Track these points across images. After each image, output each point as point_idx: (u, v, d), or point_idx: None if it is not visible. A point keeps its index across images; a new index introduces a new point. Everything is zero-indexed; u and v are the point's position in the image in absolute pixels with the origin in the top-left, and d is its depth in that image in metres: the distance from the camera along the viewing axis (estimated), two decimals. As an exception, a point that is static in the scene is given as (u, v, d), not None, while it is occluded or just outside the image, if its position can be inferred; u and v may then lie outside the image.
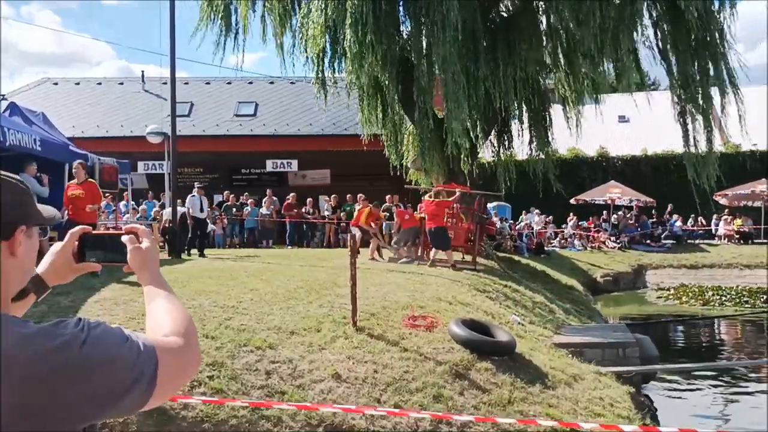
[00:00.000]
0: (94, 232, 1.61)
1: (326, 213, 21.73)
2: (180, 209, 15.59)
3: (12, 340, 1.23)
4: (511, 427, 6.41)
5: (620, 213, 26.59)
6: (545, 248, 22.28)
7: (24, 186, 1.41)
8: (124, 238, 1.60)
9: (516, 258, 18.73)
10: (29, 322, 1.30)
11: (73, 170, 10.45)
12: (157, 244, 1.67)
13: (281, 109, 27.17)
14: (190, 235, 15.67)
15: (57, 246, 1.64)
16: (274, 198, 21.75)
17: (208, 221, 17.30)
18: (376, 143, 18.61)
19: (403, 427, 6.28)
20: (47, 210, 1.47)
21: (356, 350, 7.42)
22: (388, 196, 20.86)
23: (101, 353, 1.26)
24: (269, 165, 25.55)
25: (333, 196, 22.22)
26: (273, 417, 6.11)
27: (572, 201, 26.67)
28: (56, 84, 30.49)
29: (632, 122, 31.30)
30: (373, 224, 15.55)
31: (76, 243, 1.61)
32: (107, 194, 16.48)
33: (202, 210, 15.76)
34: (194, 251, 15.39)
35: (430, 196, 14.10)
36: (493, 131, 18.30)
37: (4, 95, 26.92)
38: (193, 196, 15.77)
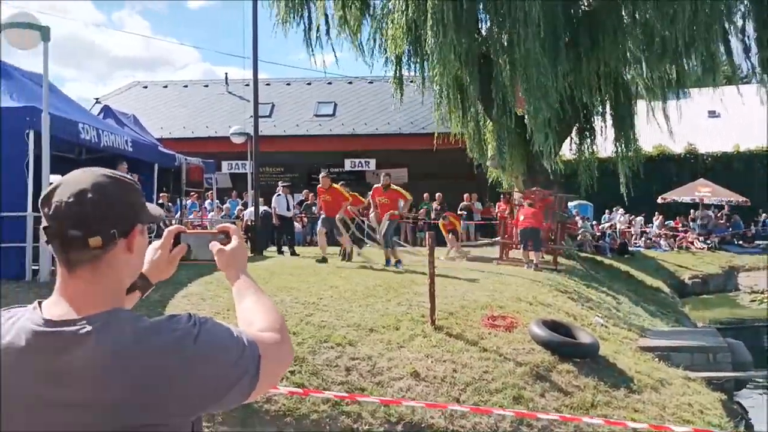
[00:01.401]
0: (187, 231, 1.66)
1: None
2: (262, 208, 15.97)
3: (129, 334, 1.29)
4: (597, 428, 6.26)
5: (710, 212, 25.48)
6: (629, 248, 21.62)
7: (138, 186, 1.48)
8: (210, 245, 1.65)
9: (598, 258, 18.26)
10: (144, 316, 1.36)
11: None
12: (246, 252, 1.71)
13: (359, 109, 27.41)
14: (276, 234, 16.07)
15: (155, 244, 1.71)
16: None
17: (294, 219, 17.62)
18: (455, 141, 18.51)
19: (482, 427, 6.23)
20: (154, 209, 1.54)
21: (435, 349, 7.40)
22: (466, 195, 20.73)
23: (212, 348, 1.31)
24: (347, 164, 25.81)
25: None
26: (353, 413, 6.18)
27: (658, 200, 25.75)
28: (145, 87, 31.76)
29: (723, 117, 29.93)
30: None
31: (172, 241, 1.67)
32: (193, 193, 17.06)
33: (288, 208, 16.07)
34: (283, 249, 15.73)
35: (518, 196, 13.80)
36: (575, 128, 17.89)
37: (98, 99, 28.31)
38: (279, 195, 16.12)
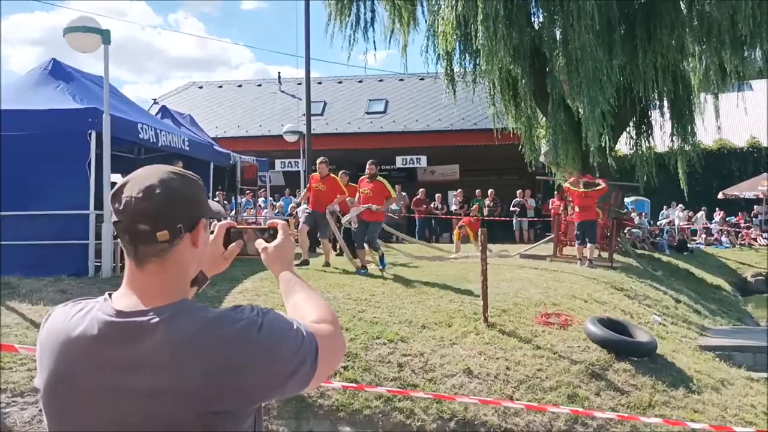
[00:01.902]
0: (237, 226, 1.69)
1: (454, 208, 21.69)
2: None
3: (197, 324, 1.35)
4: (655, 428, 6.13)
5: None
6: (688, 245, 21.05)
7: (201, 182, 1.53)
8: (256, 243, 1.69)
9: (656, 255, 17.83)
10: (208, 307, 1.42)
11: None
12: (293, 238, 1.75)
13: (411, 106, 27.41)
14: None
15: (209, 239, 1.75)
16: (403, 194, 21.99)
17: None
18: (507, 137, 18.32)
19: (536, 426, 6.17)
20: (214, 205, 1.58)
21: (487, 346, 7.36)
22: (519, 191, 20.53)
23: (275, 338, 1.37)
24: (399, 161, 25.84)
25: (459, 190, 22.13)
26: (406, 409, 6.20)
27: (719, 195, 24.97)
28: (201, 87, 32.42)
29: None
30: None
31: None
32: (247, 191, 17.34)
33: None
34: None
35: (573, 184, 13.47)
36: (631, 122, 17.50)
37: (155, 100, 29.05)
38: None
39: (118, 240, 1.46)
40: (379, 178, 10.94)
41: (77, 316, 1.40)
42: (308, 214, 11.27)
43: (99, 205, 9.05)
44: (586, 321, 7.90)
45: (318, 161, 11.30)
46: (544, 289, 9.58)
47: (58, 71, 10.44)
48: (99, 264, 9.21)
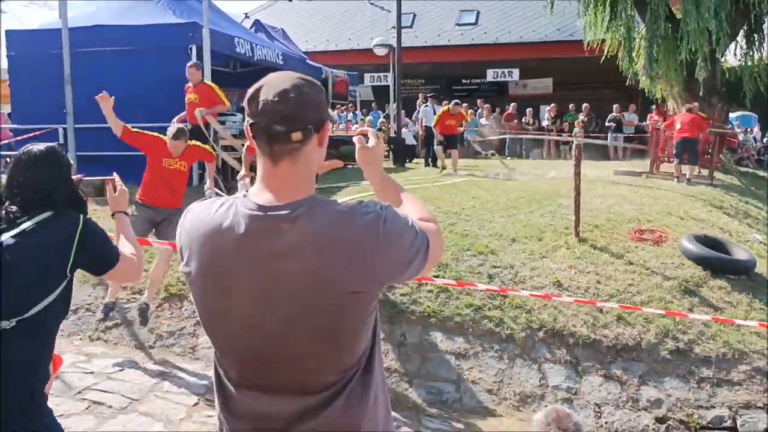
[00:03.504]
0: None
1: (546, 123, 21.16)
2: (406, 120, 16.12)
3: (333, 216, 1.53)
4: (749, 344, 6.09)
5: None
6: (796, 163, 19.88)
7: (323, 88, 1.65)
8: (354, 138, 1.84)
9: (761, 173, 16.98)
10: (336, 200, 1.60)
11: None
12: (383, 151, 1.88)
13: (503, 17, 26.47)
14: (424, 145, 16.14)
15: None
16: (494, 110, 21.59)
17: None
18: (602, 49, 17.53)
19: (625, 339, 6.23)
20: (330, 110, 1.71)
21: (578, 260, 7.38)
22: (615, 106, 19.76)
23: (397, 230, 1.54)
24: (489, 74, 25.26)
25: (552, 105, 21.50)
26: (495, 318, 6.38)
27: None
28: (290, 0, 32.32)
29: None
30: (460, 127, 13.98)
31: None
32: (339, 105, 17.50)
33: None
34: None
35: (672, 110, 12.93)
36: (741, 31, 16.33)
37: (247, 14, 29.22)
38: (426, 106, 16.18)
39: None
40: (208, 82, 9.49)
41: (220, 210, 1.58)
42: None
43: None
44: (681, 238, 7.76)
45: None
46: (638, 206, 9.40)
47: (158, -14, 10.70)
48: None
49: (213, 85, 9.21)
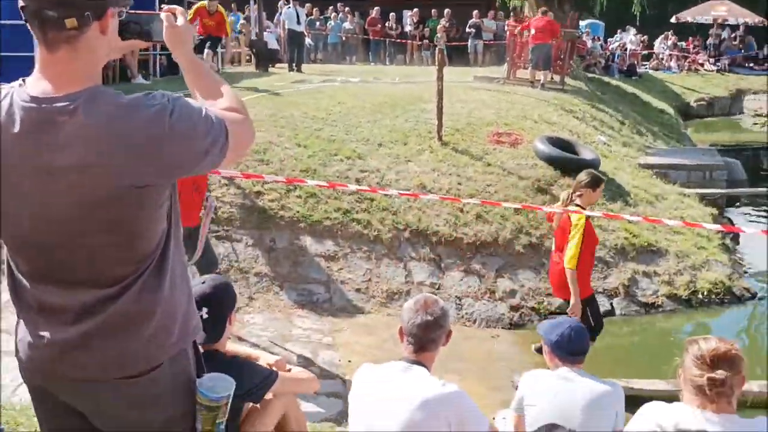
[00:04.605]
0: (130, 11, 1.67)
1: (409, 29, 21.16)
2: (267, 22, 15.52)
3: (113, 107, 1.46)
4: (596, 221, 6.69)
5: (723, 32, 24.70)
6: (637, 70, 21.30)
7: None
8: (162, 16, 1.71)
9: (606, 79, 18.08)
10: (121, 92, 1.51)
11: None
12: (192, 32, 1.79)
13: None
14: (287, 50, 15.50)
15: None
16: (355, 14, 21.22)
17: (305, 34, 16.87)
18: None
19: (484, 236, 6.63)
20: None
21: (441, 163, 7.66)
22: (475, 12, 20.03)
23: (186, 122, 1.49)
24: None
25: (415, 10, 21.45)
26: (363, 220, 6.56)
27: (672, 19, 24.92)
28: None
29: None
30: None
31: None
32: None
33: (299, 22, 15.30)
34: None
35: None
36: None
37: None
38: (289, 7, 15.44)
39: None
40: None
41: None
42: None
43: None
44: (535, 139, 8.22)
45: None
46: (496, 110, 9.78)
47: None
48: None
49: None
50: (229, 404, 1.68)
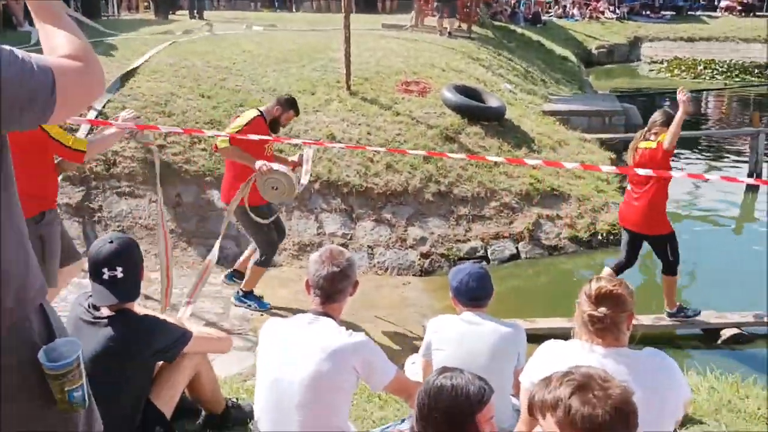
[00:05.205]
0: None
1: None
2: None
3: None
4: (501, 167, 6.86)
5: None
6: (542, 18, 21.66)
7: None
8: None
9: (512, 27, 18.29)
10: None
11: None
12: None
13: None
14: None
15: None
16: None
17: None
18: None
19: (394, 185, 6.67)
20: None
21: (350, 113, 7.60)
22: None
23: (5, 73, 1.32)
24: None
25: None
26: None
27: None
28: None
29: None
30: None
31: None
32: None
33: None
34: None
35: None
36: None
37: None
38: None
39: None
40: None
41: None
42: None
43: None
44: (443, 88, 8.26)
45: None
46: (404, 59, 9.75)
47: None
48: None
49: None
50: (81, 368, 1.56)
